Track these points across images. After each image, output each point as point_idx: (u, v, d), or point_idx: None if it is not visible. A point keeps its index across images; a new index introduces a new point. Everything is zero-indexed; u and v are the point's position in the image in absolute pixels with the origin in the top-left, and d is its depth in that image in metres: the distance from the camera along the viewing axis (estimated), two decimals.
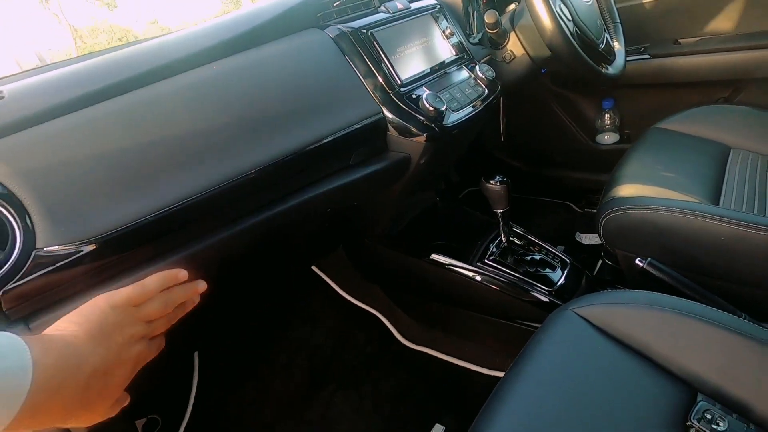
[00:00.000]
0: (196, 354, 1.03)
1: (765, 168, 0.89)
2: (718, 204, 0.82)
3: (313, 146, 0.62)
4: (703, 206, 0.77)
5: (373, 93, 0.70)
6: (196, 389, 0.99)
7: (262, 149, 0.58)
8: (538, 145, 1.53)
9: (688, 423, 0.49)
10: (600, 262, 1.14)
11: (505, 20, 0.96)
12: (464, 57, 0.86)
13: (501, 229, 0.87)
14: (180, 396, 0.99)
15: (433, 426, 0.88)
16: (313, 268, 1.21)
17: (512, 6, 1.00)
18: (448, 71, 0.81)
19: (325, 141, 0.64)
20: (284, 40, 0.69)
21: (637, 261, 0.73)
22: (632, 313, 0.59)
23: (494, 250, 0.92)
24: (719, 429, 0.48)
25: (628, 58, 1.23)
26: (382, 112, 0.70)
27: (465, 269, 0.90)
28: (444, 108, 0.72)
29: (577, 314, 0.63)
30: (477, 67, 0.84)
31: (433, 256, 0.95)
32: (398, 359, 1.03)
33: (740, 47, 1.10)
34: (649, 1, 1.21)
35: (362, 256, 1.11)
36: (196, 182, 0.53)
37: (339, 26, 0.73)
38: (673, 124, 1.09)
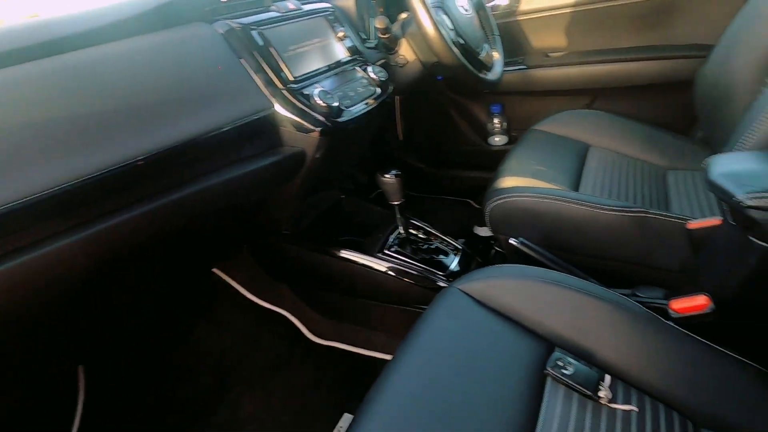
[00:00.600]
0: (80, 368, 0.94)
1: (616, 162, 1.06)
2: (577, 191, 0.95)
3: (202, 137, 0.62)
4: (564, 192, 0.89)
5: (264, 88, 0.72)
6: (82, 408, 0.90)
7: (146, 137, 0.57)
8: (437, 147, 1.65)
9: (545, 371, 0.57)
10: (493, 250, 1.26)
11: (397, 27, 1.03)
12: (358, 59, 0.91)
13: (398, 220, 0.92)
14: (64, 418, 0.90)
15: (341, 415, 0.90)
16: (218, 272, 1.17)
17: (404, 15, 1.08)
18: (342, 71, 0.85)
19: (215, 133, 0.64)
20: (170, 31, 0.68)
21: (510, 241, 0.82)
22: (504, 284, 0.67)
23: (393, 241, 0.97)
24: (567, 372, 0.56)
25: (508, 69, 1.38)
26: (273, 108, 0.72)
27: (367, 260, 0.94)
28: (336, 104, 0.75)
29: (461, 290, 0.69)
30: (370, 68, 0.89)
31: (337, 251, 0.97)
32: (307, 355, 1.04)
33: (595, 61, 1.29)
34: (524, 19, 1.37)
35: (268, 255, 1.10)
36: (71, 168, 0.50)
37: (228, 22, 0.73)
38: (546, 126, 1.24)
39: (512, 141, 1.54)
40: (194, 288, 1.14)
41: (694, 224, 0.74)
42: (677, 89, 1.18)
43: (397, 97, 1.25)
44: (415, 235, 1.01)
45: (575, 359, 0.58)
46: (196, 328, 1.09)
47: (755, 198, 0.54)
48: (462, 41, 0.99)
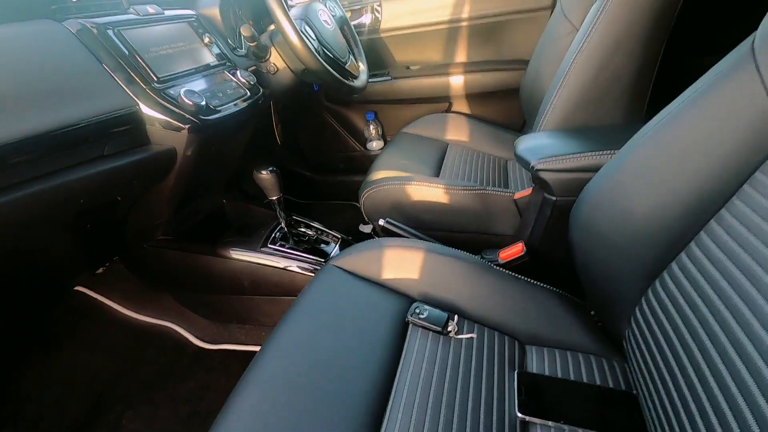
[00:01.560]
0: None
1: (469, 155, 1.25)
2: (438, 177, 1.11)
3: (56, 132, 0.61)
4: (425, 177, 1.03)
5: (126, 87, 0.72)
6: None
7: None
8: (322, 154, 1.73)
9: (407, 320, 0.67)
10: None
11: (265, 37, 1.09)
12: (226, 64, 0.95)
13: (278, 214, 0.97)
14: None
15: None
16: (84, 290, 1.09)
17: (271, 26, 1.15)
18: (209, 74, 0.89)
19: (70, 129, 0.63)
20: (13, 25, 0.65)
21: (379, 222, 0.93)
22: (370, 255, 0.77)
23: (276, 236, 1.02)
24: (423, 317, 0.67)
25: (377, 80, 1.54)
26: (137, 106, 0.73)
27: (250, 256, 0.97)
28: (204, 103, 0.79)
29: (335, 266, 0.77)
30: (238, 72, 0.94)
31: (221, 251, 0.99)
32: (195, 362, 1.01)
33: (448, 72, 1.51)
34: (387, 36, 1.53)
35: (146, 264, 1.06)
36: None
37: (81, 21, 0.72)
38: (412, 129, 1.41)
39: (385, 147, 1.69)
40: (50, 310, 1.04)
41: (518, 195, 0.93)
42: (511, 95, 1.43)
43: (272, 103, 1.30)
44: (297, 229, 1.06)
45: (430, 307, 0.69)
46: (61, 354, 1.00)
47: (542, 162, 0.72)
48: (327, 51, 1.10)
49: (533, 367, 0.63)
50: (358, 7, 1.52)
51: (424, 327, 0.66)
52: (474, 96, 1.53)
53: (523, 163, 0.75)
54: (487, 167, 1.20)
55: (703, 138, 0.49)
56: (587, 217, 0.62)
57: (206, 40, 0.92)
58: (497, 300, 0.71)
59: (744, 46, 0.48)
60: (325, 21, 1.13)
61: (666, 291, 0.52)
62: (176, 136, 0.77)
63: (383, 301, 0.71)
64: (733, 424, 0.38)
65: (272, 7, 0.90)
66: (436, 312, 0.68)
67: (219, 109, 0.83)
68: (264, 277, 0.98)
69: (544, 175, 0.71)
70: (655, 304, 0.54)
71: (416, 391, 0.58)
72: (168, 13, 0.88)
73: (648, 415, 0.52)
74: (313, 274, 0.97)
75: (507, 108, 1.51)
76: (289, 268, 0.97)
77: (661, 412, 0.49)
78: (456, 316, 0.68)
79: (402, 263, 0.76)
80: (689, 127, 0.50)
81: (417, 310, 0.68)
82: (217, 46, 0.95)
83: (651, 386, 0.52)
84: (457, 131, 1.38)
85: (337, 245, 1.06)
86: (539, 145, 0.75)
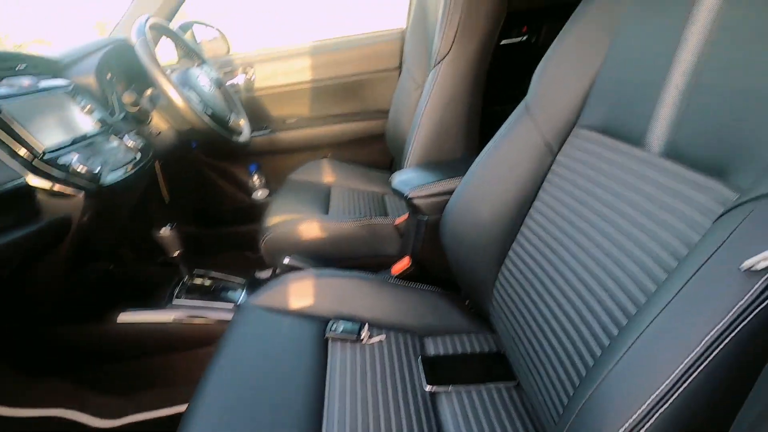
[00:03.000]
0: None
1: (352, 194, 1.42)
2: (327, 214, 1.25)
3: None
4: (317, 215, 1.16)
5: (10, 161, 0.71)
6: None
7: None
8: (207, 209, 1.74)
9: (326, 336, 0.78)
10: None
11: (145, 101, 1.13)
12: (110, 129, 0.97)
13: (181, 269, 1.00)
14: None
15: None
16: None
17: (150, 90, 1.19)
18: (96, 141, 0.90)
19: None
20: None
21: (284, 261, 1.02)
22: (284, 289, 0.86)
23: (180, 291, 1.03)
24: (338, 330, 0.79)
25: (257, 133, 1.64)
26: (23, 178, 0.72)
27: (154, 316, 0.97)
28: (98, 169, 0.81)
29: (253, 305, 0.84)
30: (126, 136, 0.97)
31: (121, 317, 0.96)
32: None
33: (323, 123, 1.69)
34: (262, 94, 1.67)
35: (25, 349, 0.96)
36: None
37: None
38: (298, 176, 1.54)
39: (273, 193, 1.78)
40: None
41: (398, 221, 1.12)
42: (377, 139, 1.67)
43: (157, 162, 1.30)
44: (202, 282, 1.09)
45: (344, 321, 0.82)
46: None
47: (413, 191, 0.92)
48: (210, 112, 1.18)
49: (431, 352, 0.79)
50: (231, 69, 1.63)
51: (342, 339, 0.78)
52: (347, 142, 1.73)
53: (399, 194, 0.94)
54: (368, 202, 1.39)
55: (510, 164, 0.73)
56: (451, 227, 0.82)
57: (87, 108, 0.94)
58: (396, 306, 0.86)
59: (523, 103, 0.74)
60: (205, 85, 1.22)
61: (509, 271, 0.74)
62: (70, 204, 0.78)
63: (302, 326, 0.81)
64: (563, 354, 0.59)
65: (156, 76, 0.97)
66: (350, 324, 0.81)
67: (113, 173, 0.85)
68: (172, 333, 0.98)
69: (416, 201, 0.91)
70: (504, 282, 0.75)
71: (345, 393, 0.69)
72: (43, 83, 0.88)
73: (513, 362, 0.72)
74: (227, 320, 1.01)
75: (375, 151, 1.74)
76: (199, 320, 0.99)
77: (519, 358, 0.69)
78: (366, 325, 0.81)
79: (313, 291, 0.87)
80: (501, 158, 0.74)
81: (333, 327, 0.80)
82: (98, 112, 0.97)
83: (511, 343, 0.72)
84: (336, 174, 1.55)
85: (244, 290, 1.11)
86: (409, 179, 0.95)
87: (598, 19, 0.65)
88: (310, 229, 1.10)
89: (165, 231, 0.93)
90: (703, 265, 0.33)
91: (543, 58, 0.72)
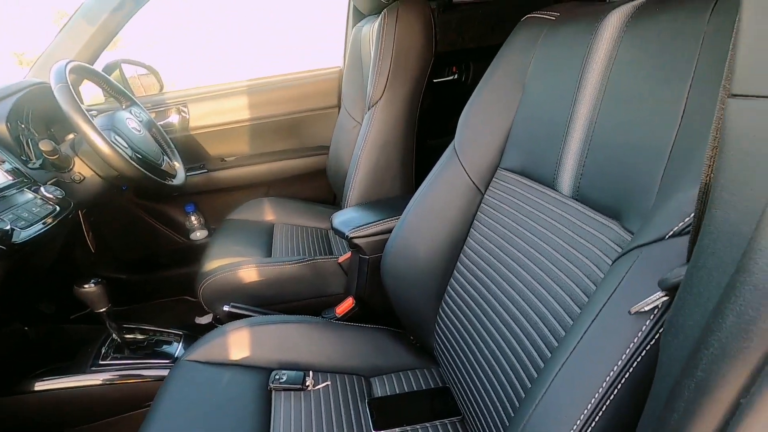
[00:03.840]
0: None
1: (294, 231, 1.41)
2: (270, 257, 1.22)
3: None
4: (259, 259, 1.14)
5: None
6: None
7: None
8: (140, 253, 1.64)
9: (269, 387, 0.76)
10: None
11: (65, 147, 1.06)
12: (24, 181, 0.90)
13: (109, 326, 0.93)
14: None
15: None
16: None
17: (71, 135, 1.13)
18: (8, 195, 0.83)
19: None
20: None
21: (223, 308, 0.99)
22: (222, 340, 0.83)
23: (108, 350, 0.95)
24: (282, 380, 0.76)
25: (193, 173, 1.59)
26: None
27: (77, 381, 0.88)
28: (8, 227, 0.75)
29: (188, 360, 0.80)
30: (42, 188, 0.90)
31: (39, 385, 0.87)
32: None
33: (261, 161, 1.68)
34: (197, 133, 1.63)
35: None
36: None
37: None
38: (237, 215, 1.50)
39: (212, 233, 1.72)
40: None
41: (341, 259, 1.13)
42: (318, 175, 1.68)
43: (80, 211, 1.22)
44: (133, 337, 1.02)
45: (287, 371, 0.80)
46: None
47: (353, 231, 0.93)
48: (141, 157, 1.13)
49: (378, 392, 0.79)
50: (163, 108, 1.58)
51: (285, 389, 0.76)
52: (287, 179, 1.72)
53: (340, 234, 0.95)
54: (311, 239, 1.38)
55: (442, 204, 0.77)
56: (391, 266, 0.84)
57: None
58: (341, 348, 0.86)
59: (451, 145, 0.79)
60: (134, 128, 1.17)
61: (448, 306, 0.77)
62: None
63: (243, 378, 0.78)
64: (498, 386, 0.61)
65: (78, 123, 0.92)
66: (293, 373, 0.79)
67: (27, 230, 0.79)
68: (100, 398, 0.89)
69: (356, 241, 0.92)
70: (444, 317, 0.78)
71: None
72: None
73: (457, 396, 0.74)
74: (160, 377, 0.94)
75: (318, 186, 1.75)
76: (130, 380, 0.92)
77: (462, 390, 0.71)
78: (311, 372, 0.80)
79: (253, 341, 0.84)
80: (433, 199, 0.78)
81: (277, 377, 0.78)
82: (9, 163, 0.90)
83: (453, 376, 0.74)
84: (279, 212, 1.53)
85: (181, 343, 1.05)
86: (349, 219, 0.97)
87: (511, 72, 0.72)
88: (251, 273, 1.07)
89: (89, 287, 0.87)
90: (601, 309, 0.37)
91: (466, 105, 0.78)
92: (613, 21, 0.53)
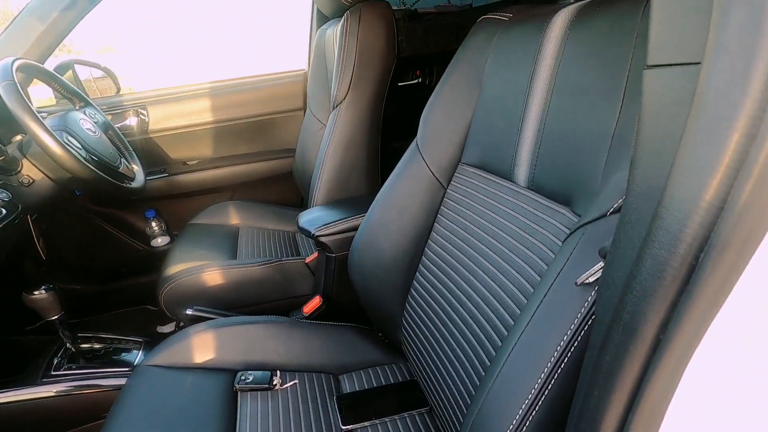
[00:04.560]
0: None
1: (260, 234, 1.39)
2: (235, 260, 1.20)
3: None
4: (223, 261, 1.12)
5: None
6: None
7: None
8: (97, 263, 1.57)
9: (234, 389, 0.74)
10: None
11: (12, 149, 1.01)
12: None
13: (62, 334, 0.88)
14: None
15: None
16: None
17: (18, 137, 1.07)
18: None
19: None
20: None
21: (186, 311, 0.96)
22: (185, 343, 0.80)
23: (61, 360, 0.90)
24: (248, 380, 0.75)
25: (153, 177, 1.54)
26: None
27: (28, 393, 0.83)
28: None
29: (149, 365, 0.77)
30: None
31: None
32: None
33: (226, 164, 1.64)
34: (157, 136, 1.58)
35: None
36: None
37: None
38: (201, 219, 1.47)
39: (174, 240, 1.66)
40: None
41: (308, 259, 1.12)
42: (285, 178, 1.67)
43: (29, 217, 1.15)
44: (90, 346, 0.97)
45: (253, 372, 0.78)
46: None
47: (319, 230, 0.93)
48: (96, 158, 1.09)
49: (347, 389, 0.79)
50: (120, 110, 1.53)
51: (252, 389, 0.75)
52: (253, 182, 1.70)
53: (305, 232, 0.95)
54: (278, 242, 1.37)
55: (406, 200, 0.78)
56: (357, 263, 0.85)
57: None
58: (309, 347, 0.85)
59: (414, 142, 0.81)
60: (89, 129, 1.12)
61: (414, 299, 0.78)
62: None
63: (207, 381, 0.76)
64: (463, 373, 0.63)
65: (26, 122, 0.88)
66: (260, 373, 0.78)
67: None
68: (54, 410, 0.84)
69: (322, 239, 0.92)
70: (410, 310, 0.79)
71: None
72: None
73: (424, 387, 0.75)
74: (115, 387, 0.90)
75: (284, 189, 1.74)
76: (87, 390, 0.87)
77: (429, 382, 0.72)
78: (278, 372, 0.79)
79: (218, 342, 0.82)
80: (397, 195, 0.79)
81: (243, 377, 0.76)
82: None
83: (421, 368, 0.75)
84: (244, 216, 1.51)
85: (141, 350, 1.01)
86: (315, 218, 0.96)
87: (469, 71, 0.74)
88: (215, 276, 1.05)
89: (39, 293, 0.82)
90: (551, 284, 0.39)
91: (427, 103, 0.80)
92: (560, 21, 0.57)
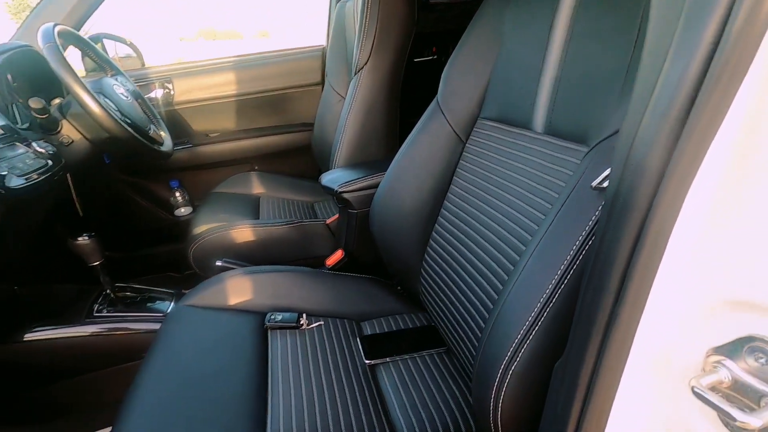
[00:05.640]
0: None
1: (281, 204, 1.44)
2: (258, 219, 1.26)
3: None
4: (246, 220, 1.17)
5: None
6: None
7: None
8: (125, 231, 1.64)
9: (265, 326, 0.80)
10: None
11: (53, 110, 1.07)
12: (14, 136, 0.91)
13: (102, 280, 0.94)
14: None
15: None
16: None
17: (57, 100, 1.13)
18: (1, 147, 0.84)
19: None
20: None
21: (216, 263, 1.02)
22: (219, 287, 0.86)
23: (101, 304, 0.97)
24: (277, 319, 0.81)
25: (178, 147, 1.60)
26: None
27: (70, 332, 0.90)
28: (5, 173, 0.76)
29: (186, 305, 0.83)
30: (34, 143, 0.91)
31: (28, 336, 0.88)
32: None
33: (247, 137, 1.70)
34: (182, 108, 1.64)
35: None
36: None
37: None
38: (223, 188, 1.53)
39: (196, 209, 1.73)
40: None
41: (329, 220, 1.17)
42: (302, 151, 1.72)
43: (68, 175, 1.22)
44: (125, 294, 1.03)
45: (281, 312, 0.84)
46: None
47: (342, 186, 0.98)
48: (128, 120, 1.14)
49: (368, 332, 0.85)
50: (146, 83, 1.58)
51: (281, 327, 0.80)
52: (272, 155, 1.75)
53: (328, 190, 0.99)
54: (297, 209, 1.42)
55: (427, 155, 0.82)
56: (378, 218, 0.89)
57: None
58: (332, 295, 0.91)
59: (435, 101, 0.85)
60: (122, 94, 1.18)
61: (433, 249, 0.82)
62: None
63: (239, 319, 0.82)
64: (482, 312, 0.67)
65: (69, 81, 0.93)
66: (288, 314, 0.83)
67: (21, 177, 0.80)
68: (94, 348, 0.91)
69: (345, 195, 0.97)
70: (429, 262, 0.83)
71: (288, 375, 0.71)
72: None
73: (443, 332, 0.80)
74: (152, 330, 0.96)
75: (301, 162, 1.79)
76: (123, 332, 0.94)
77: (447, 326, 0.77)
78: (304, 315, 0.85)
79: (249, 287, 0.88)
80: (418, 150, 0.83)
81: (272, 317, 0.82)
82: (0, 119, 0.91)
83: (439, 314, 0.79)
84: (264, 186, 1.56)
85: (173, 301, 1.08)
86: (337, 177, 1.01)
87: (488, 27, 0.78)
88: (241, 233, 1.11)
89: (83, 239, 0.88)
90: (570, 193, 0.43)
91: (447, 63, 0.84)
92: None
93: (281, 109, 1.74)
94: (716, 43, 0.22)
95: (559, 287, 0.40)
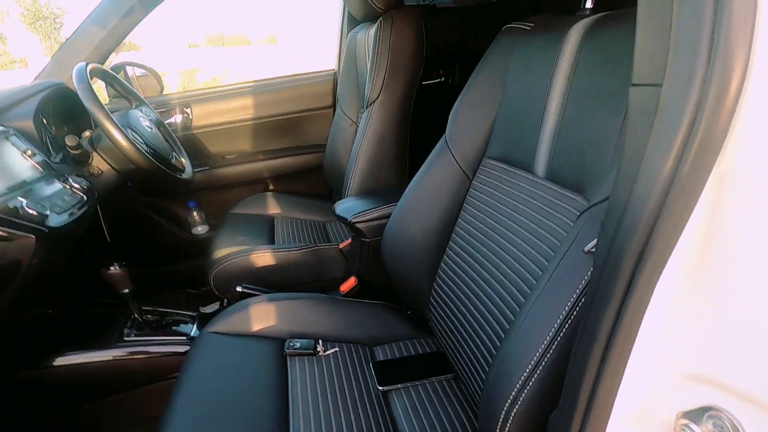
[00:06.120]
0: None
1: (295, 224, 1.50)
2: (274, 244, 1.32)
3: None
4: (263, 246, 1.23)
5: None
6: None
7: None
8: (144, 249, 1.71)
9: (284, 353, 0.85)
10: None
11: (84, 143, 1.14)
12: (52, 172, 0.98)
13: (132, 306, 1.01)
14: None
15: None
16: None
17: (88, 132, 1.20)
18: (42, 184, 0.91)
19: None
20: None
21: (237, 289, 1.08)
22: (240, 315, 0.92)
23: (130, 329, 1.03)
24: (296, 346, 0.86)
25: (196, 170, 1.67)
26: None
27: (105, 355, 0.96)
28: (48, 212, 0.83)
29: (210, 332, 0.89)
30: (70, 179, 0.98)
31: (60, 361, 0.95)
32: None
33: (261, 159, 1.77)
34: (199, 132, 1.71)
35: None
36: None
37: None
38: (240, 210, 1.59)
39: (213, 228, 1.80)
40: None
41: (342, 245, 1.23)
42: (314, 172, 1.78)
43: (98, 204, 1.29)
44: (150, 318, 1.10)
45: (299, 339, 0.89)
46: None
47: (356, 217, 1.03)
48: (153, 150, 1.21)
49: (380, 357, 0.90)
50: (166, 109, 1.66)
51: (299, 354, 0.86)
52: (285, 176, 1.82)
53: (343, 220, 1.05)
54: (310, 230, 1.48)
55: (435, 191, 0.87)
56: (390, 247, 0.94)
57: (28, 152, 0.94)
58: (346, 321, 0.96)
59: (443, 138, 0.90)
60: (147, 125, 1.25)
61: (441, 279, 0.87)
62: (19, 247, 0.79)
63: (261, 347, 0.87)
64: (489, 343, 0.72)
65: (102, 120, 1.00)
66: (305, 341, 0.89)
67: (61, 215, 0.87)
68: (125, 370, 0.97)
69: (358, 225, 1.03)
70: (438, 290, 0.88)
71: (308, 400, 0.76)
72: None
73: (450, 357, 0.85)
74: (181, 353, 1.03)
75: (314, 182, 1.85)
76: (152, 354, 1.00)
77: (455, 352, 0.81)
78: (321, 341, 0.90)
79: (268, 314, 0.94)
80: (427, 186, 0.89)
81: (291, 344, 0.87)
82: (39, 156, 0.98)
83: (447, 341, 0.84)
84: (278, 206, 1.63)
85: (195, 323, 1.14)
86: (351, 206, 1.07)
87: (493, 74, 0.83)
88: (260, 258, 1.17)
89: (114, 268, 0.95)
90: (565, 253, 0.48)
91: (455, 104, 0.89)
92: (576, 32, 0.65)
93: (294, 132, 1.80)
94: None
95: (555, 342, 0.45)
